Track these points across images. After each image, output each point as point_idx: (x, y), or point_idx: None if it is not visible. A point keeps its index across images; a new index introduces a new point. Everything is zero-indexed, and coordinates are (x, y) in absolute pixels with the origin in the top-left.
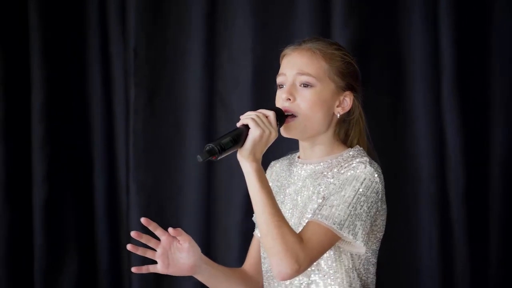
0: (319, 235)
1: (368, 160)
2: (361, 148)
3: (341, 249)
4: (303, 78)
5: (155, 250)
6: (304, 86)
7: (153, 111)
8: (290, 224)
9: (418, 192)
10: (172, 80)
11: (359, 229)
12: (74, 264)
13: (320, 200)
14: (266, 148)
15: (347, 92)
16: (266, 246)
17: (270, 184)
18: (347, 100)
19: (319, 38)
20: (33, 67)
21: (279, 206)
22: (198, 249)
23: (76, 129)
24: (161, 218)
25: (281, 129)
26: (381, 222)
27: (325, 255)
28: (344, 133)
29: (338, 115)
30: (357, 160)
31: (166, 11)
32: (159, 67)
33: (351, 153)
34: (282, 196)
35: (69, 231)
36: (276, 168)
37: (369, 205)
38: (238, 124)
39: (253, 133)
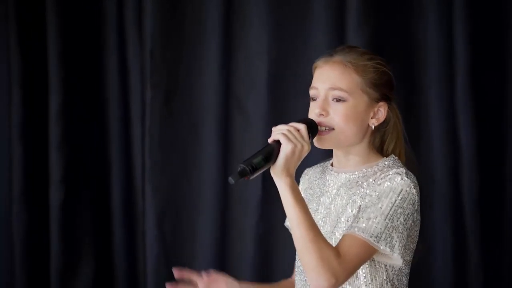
0: (356, 248)
1: (404, 171)
2: (396, 157)
3: (376, 261)
4: (335, 93)
5: None
6: (337, 101)
7: (169, 113)
8: (323, 232)
9: (432, 194)
10: (188, 82)
11: (396, 241)
12: (89, 266)
13: (355, 210)
14: (299, 162)
15: (381, 103)
16: (303, 261)
17: (303, 192)
18: (382, 111)
19: (351, 47)
20: (51, 69)
21: (312, 214)
22: (236, 283)
23: (93, 131)
24: (177, 220)
25: (315, 140)
26: (415, 233)
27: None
28: (380, 140)
29: (373, 127)
30: (394, 170)
31: (182, 12)
32: (175, 69)
33: (386, 163)
34: (315, 204)
35: (85, 233)
36: (310, 176)
37: (405, 217)
38: (270, 140)
39: (285, 149)
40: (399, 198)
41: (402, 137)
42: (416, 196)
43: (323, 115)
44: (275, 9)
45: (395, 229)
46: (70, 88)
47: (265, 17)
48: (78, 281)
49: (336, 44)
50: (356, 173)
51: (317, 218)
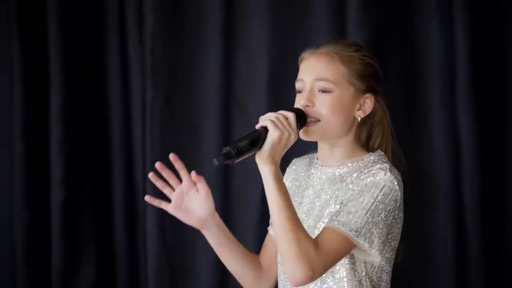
0: (335, 241)
1: (388, 166)
2: (382, 153)
3: (355, 257)
4: (321, 84)
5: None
6: (323, 92)
7: (170, 113)
8: (306, 226)
9: (433, 195)
10: (189, 81)
11: (375, 237)
12: (91, 266)
13: (338, 206)
14: (285, 150)
15: (368, 95)
16: (281, 250)
17: (289, 183)
18: (368, 103)
19: (337, 39)
20: (52, 68)
21: (296, 207)
22: (212, 205)
23: (94, 131)
24: (177, 220)
25: (301, 132)
26: (397, 230)
27: (339, 261)
28: (366, 134)
29: (359, 119)
30: (377, 166)
31: (183, 12)
32: (176, 68)
33: (371, 158)
34: (300, 198)
35: (86, 233)
36: (296, 166)
37: (386, 213)
38: (257, 126)
39: (272, 135)
40: (382, 193)
41: (388, 132)
42: (399, 193)
43: (309, 106)
44: (276, 9)
45: (375, 225)
46: (71, 87)
47: (266, 17)
48: (80, 281)
49: None
50: (341, 167)
51: (301, 212)
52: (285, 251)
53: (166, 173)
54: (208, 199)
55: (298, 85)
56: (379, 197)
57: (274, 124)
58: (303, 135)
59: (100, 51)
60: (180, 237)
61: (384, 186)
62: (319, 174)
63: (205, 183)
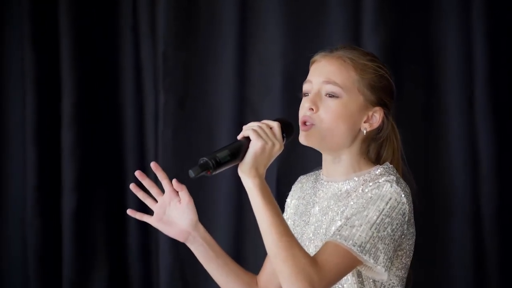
0: (337, 257)
1: (395, 178)
2: (391, 165)
3: (363, 275)
4: (328, 87)
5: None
6: (330, 96)
7: (183, 117)
8: (314, 246)
9: (450, 204)
10: (202, 85)
11: (381, 252)
12: (103, 274)
13: (343, 221)
14: (270, 162)
15: (377, 108)
16: (277, 269)
17: (296, 201)
18: (376, 116)
19: (354, 46)
20: (64, 72)
21: (304, 227)
22: (194, 216)
23: (107, 135)
24: None
25: (300, 136)
26: (408, 247)
27: (346, 281)
28: (376, 153)
29: (365, 132)
30: (384, 178)
31: (196, 13)
32: (189, 71)
33: (378, 171)
34: (307, 217)
35: (98, 242)
36: (303, 184)
37: (393, 227)
38: (239, 136)
39: (254, 145)
40: (388, 206)
41: (399, 153)
42: (407, 206)
43: (312, 110)
44: (291, 12)
45: (381, 240)
46: (83, 91)
47: (281, 20)
48: None
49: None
50: (347, 182)
51: (308, 231)
52: (280, 270)
53: (147, 183)
54: (190, 209)
55: (305, 87)
56: (385, 210)
57: (257, 134)
58: (302, 139)
59: (113, 54)
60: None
61: (390, 198)
62: (325, 190)
63: (187, 193)
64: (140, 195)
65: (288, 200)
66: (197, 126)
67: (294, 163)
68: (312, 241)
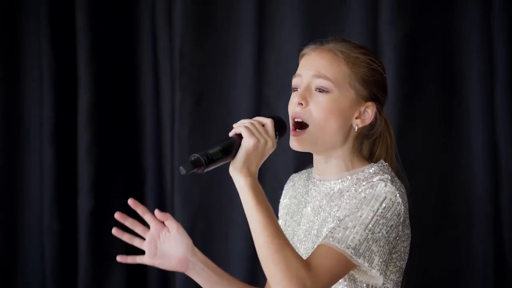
0: (330, 260)
1: (390, 177)
2: (386, 163)
3: (356, 279)
4: (319, 81)
5: (144, 239)
6: (320, 91)
7: (199, 117)
8: (304, 248)
9: (469, 209)
10: (219, 84)
11: (376, 255)
12: (120, 276)
13: (335, 223)
14: (263, 160)
15: (369, 103)
16: (267, 273)
17: (287, 200)
18: (369, 112)
19: (345, 39)
20: (80, 71)
21: (295, 227)
22: (187, 240)
23: (124, 136)
24: (208, 232)
25: (290, 142)
26: (403, 249)
27: (338, 285)
28: (369, 150)
29: (356, 128)
30: (378, 177)
31: (214, 11)
32: (206, 70)
33: (372, 169)
34: (299, 217)
35: (115, 246)
36: (295, 182)
37: (388, 229)
38: (231, 133)
39: (246, 143)
40: (382, 207)
41: (392, 151)
42: (402, 207)
43: (301, 104)
44: (308, 9)
45: (376, 242)
46: (100, 90)
47: (298, 17)
48: None
49: (372, 41)
50: (340, 181)
51: (299, 232)
52: (271, 274)
53: (129, 223)
54: (182, 235)
55: (294, 81)
56: (379, 211)
57: (249, 131)
58: (293, 144)
59: (131, 53)
60: (210, 249)
61: (385, 198)
62: (317, 189)
63: (173, 220)
64: (126, 238)
65: (281, 200)
66: (213, 125)
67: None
68: (303, 243)
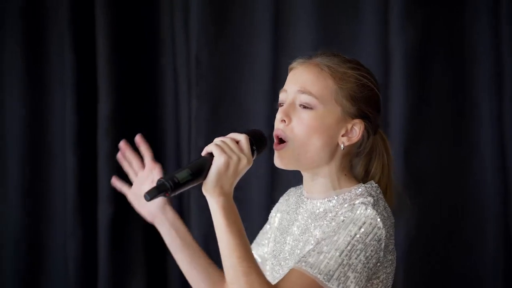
0: (301, 286)
1: (372, 200)
2: (375, 184)
3: None
4: (303, 97)
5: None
6: (304, 107)
7: (216, 124)
8: (288, 267)
9: (481, 222)
10: (235, 90)
11: (351, 282)
12: (141, 283)
13: (311, 246)
14: (238, 178)
15: (357, 120)
16: None
17: (280, 215)
18: (356, 130)
19: (335, 53)
20: (100, 77)
21: (282, 244)
22: (162, 198)
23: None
24: None
25: (274, 158)
26: (385, 275)
27: None
28: (364, 169)
29: (342, 146)
30: (360, 200)
31: (230, 17)
32: (222, 76)
33: (359, 190)
34: (286, 234)
35: (136, 254)
36: (290, 197)
37: (367, 254)
38: (203, 153)
39: (217, 162)
40: (361, 231)
41: (390, 171)
42: (384, 231)
43: (284, 121)
44: (323, 13)
45: (352, 268)
46: (120, 97)
47: (311, 21)
48: None
49: (382, 46)
50: (326, 200)
51: (285, 250)
52: None
53: (130, 153)
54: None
55: (280, 96)
56: (357, 236)
57: (220, 149)
58: (276, 161)
59: (152, 59)
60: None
61: (364, 223)
62: (304, 207)
63: (159, 173)
64: (125, 165)
65: (272, 212)
66: (230, 132)
67: None
68: (287, 261)
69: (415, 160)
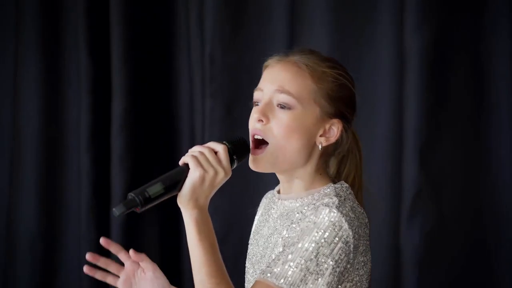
0: None
1: (338, 201)
2: (346, 185)
3: None
4: (281, 97)
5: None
6: (282, 107)
7: (230, 125)
8: (259, 271)
9: (497, 230)
10: (250, 90)
11: None
12: None
13: (280, 250)
14: (213, 191)
15: (335, 120)
16: None
17: (257, 217)
18: (334, 130)
19: (313, 50)
20: (114, 75)
21: (254, 247)
22: (164, 281)
23: (159, 143)
24: (239, 244)
25: (249, 161)
26: (358, 277)
27: None
28: (336, 168)
29: (320, 146)
30: (324, 201)
31: (244, 15)
32: (236, 76)
33: (328, 190)
34: (258, 236)
35: (150, 252)
36: (268, 199)
37: (336, 258)
38: (180, 162)
39: (192, 175)
40: (326, 235)
41: (361, 170)
42: (350, 232)
43: (262, 121)
44: (338, 11)
45: (321, 274)
46: (134, 96)
47: (327, 20)
48: None
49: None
50: (297, 200)
51: (257, 253)
52: None
53: (102, 262)
54: (158, 277)
55: (256, 95)
56: (322, 240)
57: (196, 161)
58: (251, 165)
59: (167, 58)
60: (242, 260)
61: (328, 226)
62: (276, 208)
63: (149, 261)
64: (99, 275)
65: (256, 216)
66: (244, 134)
67: None
68: (259, 265)
69: (432, 163)
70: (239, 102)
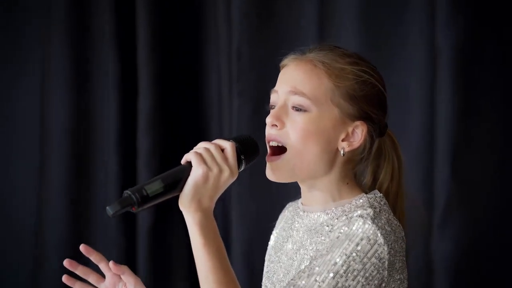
0: None
1: (373, 213)
2: (380, 194)
3: None
4: (295, 98)
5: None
6: (296, 110)
7: (258, 121)
8: None
9: None
10: None
11: None
12: None
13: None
14: (218, 192)
15: (358, 122)
16: None
17: (277, 232)
18: (358, 133)
19: (334, 47)
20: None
21: (276, 264)
22: None
23: (186, 143)
24: (265, 248)
25: (267, 169)
26: None
27: None
28: (372, 175)
29: (342, 152)
30: (358, 213)
31: (274, 9)
32: (264, 72)
33: (361, 200)
34: (280, 253)
35: (176, 263)
36: (289, 212)
37: (367, 275)
38: (182, 161)
39: (195, 173)
40: (358, 249)
41: (401, 177)
42: (386, 248)
43: (276, 126)
44: (367, 11)
45: None
46: (161, 93)
47: (355, 21)
48: None
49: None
50: (325, 213)
51: (279, 271)
52: None
53: (81, 271)
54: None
55: (272, 98)
56: (354, 254)
57: (199, 158)
58: (268, 174)
59: (195, 54)
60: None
61: (362, 239)
62: (300, 222)
63: (130, 273)
64: (78, 286)
65: (273, 231)
66: None
67: None
68: (281, 284)
69: (463, 168)
70: (266, 101)
